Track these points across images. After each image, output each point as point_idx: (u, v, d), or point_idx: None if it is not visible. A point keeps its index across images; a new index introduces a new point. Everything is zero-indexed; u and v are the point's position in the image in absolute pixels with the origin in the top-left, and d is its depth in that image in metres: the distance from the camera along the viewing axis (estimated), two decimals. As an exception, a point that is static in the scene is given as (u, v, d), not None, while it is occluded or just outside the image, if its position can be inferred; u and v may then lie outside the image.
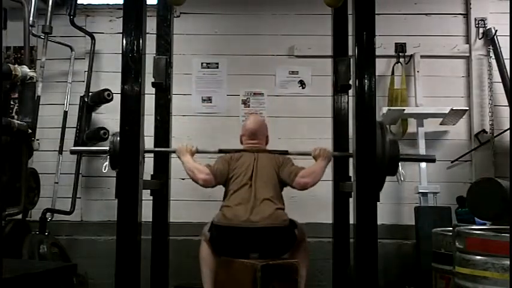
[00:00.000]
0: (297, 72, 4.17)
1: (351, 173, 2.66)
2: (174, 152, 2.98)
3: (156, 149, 3.05)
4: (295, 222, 2.84)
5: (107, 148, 2.85)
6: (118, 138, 2.60)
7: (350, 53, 2.91)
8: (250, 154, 2.93)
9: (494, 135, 3.96)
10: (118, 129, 2.50)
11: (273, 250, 2.69)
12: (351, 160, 2.74)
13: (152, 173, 3.06)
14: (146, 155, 2.67)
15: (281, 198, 2.86)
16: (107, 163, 2.82)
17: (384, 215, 3.78)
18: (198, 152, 2.96)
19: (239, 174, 2.84)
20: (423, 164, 3.85)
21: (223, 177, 2.87)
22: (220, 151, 3.01)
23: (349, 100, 3.07)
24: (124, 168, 2.42)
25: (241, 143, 3.10)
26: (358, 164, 2.40)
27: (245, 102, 4.14)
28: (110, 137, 2.78)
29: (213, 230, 2.76)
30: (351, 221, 2.55)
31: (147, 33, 2.59)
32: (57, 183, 3.90)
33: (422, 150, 3.88)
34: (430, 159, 3.23)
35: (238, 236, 2.66)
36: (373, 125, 2.43)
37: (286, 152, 2.99)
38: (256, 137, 3.05)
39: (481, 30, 4.10)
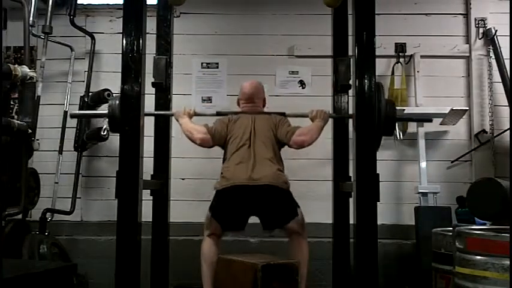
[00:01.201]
0: (297, 72, 4.17)
1: (351, 173, 2.66)
2: (173, 115, 3.01)
3: (156, 112, 3.06)
4: (298, 204, 2.84)
5: (106, 112, 2.79)
6: (117, 102, 2.61)
7: (350, 53, 2.91)
8: (248, 116, 2.96)
9: (494, 135, 3.96)
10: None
11: (273, 212, 2.72)
12: (351, 160, 2.74)
13: (152, 173, 3.06)
14: (146, 154, 2.67)
15: (280, 160, 2.89)
16: (105, 126, 2.81)
17: (384, 215, 3.78)
18: (196, 114, 2.98)
19: (237, 136, 2.88)
20: (423, 164, 3.86)
21: (221, 138, 2.91)
22: (218, 114, 3.05)
23: (349, 100, 3.07)
24: (124, 168, 2.42)
25: (238, 105, 3.14)
26: (358, 164, 2.40)
27: (245, 102, 4.14)
28: (110, 101, 2.74)
29: (214, 199, 2.79)
30: (351, 221, 2.55)
31: (147, 33, 2.59)
32: (57, 183, 3.89)
33: (422, 150, 3.88)
34: (426, 120, 3.18)
35: (239, 194, 2.70)
36: (373, 125, 2.43)
37: (283, 114, 3.01)
38: (253, 100, 3.08)
39: (481, 30, 4.10)
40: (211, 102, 4.16)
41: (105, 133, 2.81)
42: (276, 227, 2.81)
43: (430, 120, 3.15)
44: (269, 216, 2.71)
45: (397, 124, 4.05)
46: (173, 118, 3.05)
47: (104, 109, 4.01)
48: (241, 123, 2.94)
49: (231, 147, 2.88)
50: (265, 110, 3.18)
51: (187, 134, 2.87)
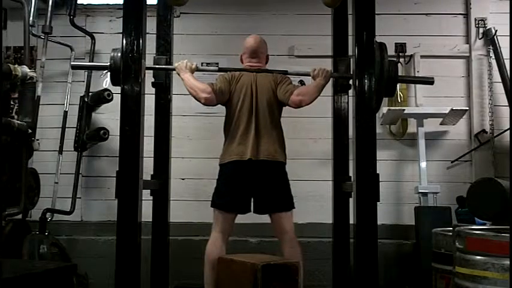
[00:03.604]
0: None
1: (351, 173, 2.66)
2: (174, 69, 2.98)
3: (157, 66, 3.05)
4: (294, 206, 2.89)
5: (108, 64, 2.76)
6: (118, 54, 2.60)
7: (350, 53, 2.91)
8: (250, 75, 2.95)
9: (494, 135, 3.96)
10: (118, 130, 2.49)
11: (270, 190, 2.78)
12: (351, 160, 2.74)
13: (152, 173, 3.06)
14: (146, 154, 2.67)
15: (280, 126, 2.92)
16: (107, 79, 2.79)
17: (384, 215, 3.78)
18: (197, 70, 2.96)
19: (239, 98, 2.89)
20: (423, 164, 3.86)
21: (224, 97, 2.91)
22: (220, 70, 3.05)
23: (349, 100, 3.07)
24: (124, 168, 2.42)
25: (241, 61, 3.12)
26: (358, 164, 2.40)
27: (245, 102, 4.14)
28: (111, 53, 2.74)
29: (218, 177, 2.87)
30: (351, 221, 2.55)
31: (147, 33, 2.59)
32: (57, 183, 3.89)
33: (422, 150, 3.88)
34: (428, 82, 3.15)
35: (240, 170, 2.76)
36: (373, 125, 2.43)
37: (285, 72, 3.00)
38: (256, 54, 3.07)
39: (481, 30, 4.10)
40: (211, 102, 4.15)
41: (106, 85, 2.82)
42: (269, 210, 2.83)
43: (432, 82, 3.07)
44: (265, 195, 2.77)
45: (397, 124, 4.09)
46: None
47: (103, 111, 4.05)
48: (244, 82, 2.92)
49: (233, 111, 2.90)
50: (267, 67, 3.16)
51: (192, 91, 2.84)
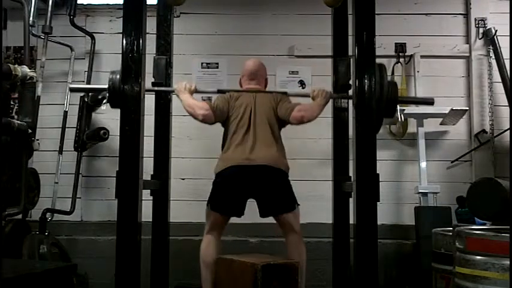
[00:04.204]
0: (297, 72, 4.17)
1: (351, 173, 2.66)
2: (173, 91, 2.98)
3: (156, 88, 3.04)
4: (298, 203, 2.85)
5: (106, 86, 2.72)
6: (117, 76, 2.57)
7: (350, 53, 2.91)
8: (249, 94, 2.95)
9: (494, 135, 3.96)
10: (118, 129, 2.49)
11: (271, 194, 2.73)
12: (351, 160, 2.74)
13: (152, 173, 3.06)
14: (146, 154, 2.66)
15: (280, 140, 2.90)
16: (105, 101, 2.76)
17: (383, 215, 3.78)
18: (197, 91, 2.96)
19: (238, 114, 2.87)
20: (423, 164, 3.86)
21: (223, 115, 2.90)
22: (219, 91, 3.03)
23: (349, 100, 3.07)
24: (124, 168, 2.42)
25: (240, 85, 3.13)
26: (358, 164, 2.40)
27: (245, 102, 4.14)
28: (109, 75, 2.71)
29: (214, 181, 2.81)
30: (351, 221, 2.55)
31: (147, 33, 2.58)
32: (57, 183, 3.89)
33: (422, 150, 3.88)
34: (428, 102, 3.16)
35: (237, 174, 2.71)
36: (373, 125, 2.43)
37: (284, 93, 3.01)
38: (255, 77, 3.08)
39: (481, 30, 4.10)
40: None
41: (104, 108, 2.78)
42: (273, 212, 2.80)
43: (432, 103, 3.08)
44: (266, 198, 2.71)
45: (397, 124, 4.08)
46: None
47: (103, 111, 4.04)
48: (243, 101, 2.92)
49: (231, 127, 2.88)
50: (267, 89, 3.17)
51: (189, 110, 2.85)
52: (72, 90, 3.32)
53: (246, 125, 2.84)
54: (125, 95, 2.44)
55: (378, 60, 2.45)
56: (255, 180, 2.74)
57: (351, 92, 2.81)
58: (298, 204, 2.86)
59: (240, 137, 2.82)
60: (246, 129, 2.83)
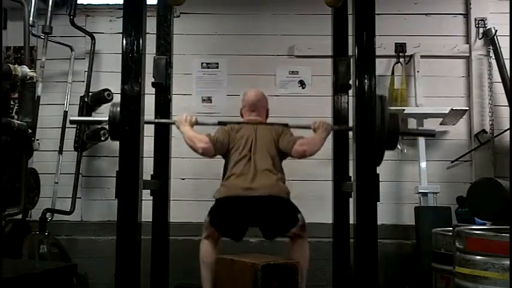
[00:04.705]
0: (297, 72, 4.17)
1: (351, 173, 2.66)
2: (174, 123, 2.98)
3: (156, 120, 3.05)
4: (298, 209, 2.82)
5: (107, 118, 2.78)
6: (117, 109, 2.58)
7: (350, 53, 2.91)
8: (250, 126, 2.94)
9: (494, 135, 3.96)
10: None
11: (273, 222, 2.69)
12: (351, 160, 2.74)
13: (152, 173, 3.06)
14: (146, 154, 2.66)
15: (281, 169, 2.88)
16: (104, 131, 2.77)
17: (383, 215, 3.78)
18: (197, 123, 2.96)
19: (238, 146, 2.86)
20: (423, 164, 3.86)
21: (223, 148, 2.88)
22: (220, 123, 3.03)
23: (349, 100, 3.07)
24: (124, 168, 2.42)
25: (241, 115, 3.12)
26: (358, 164, 2.40)
27: (245, 102, 4.14)
28: (110, 107, 2.73)
29: (213, 206, 2.77)
30: (351, 221, 2.55)
31: (147, 33, 2.58)
32: (57, 183, 3.89)
33: (422, 150, 3.88)
34: (429, 134, 3.18)
35: (238, 205, 2.67)
36: (373, 125, 2.43)
37: (285, 125, 3.00)
38: (256, 108, 3.06)
39: (481, 30, 4.10)
40: (211, 102, 4.16)
41: (104, 138, 2.80)
42: (277, 235, 2.78)
43: (433, 135, 3.11)
44: (269, 226, 2.68)
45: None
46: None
47: (103, 111, 4.04)
48: (243, 133, 2.91)
49: (232, 158, 2.86)
50: (268, 120, 3.14)
51: (189, 142, 2.84)
52: (72, 122, 3.33)
53: (247, 157, 2.82)
54: (125, 72, 2.42)
55: (377, 60, 2.45)
56: (256, 211, 2.69)
57: (351, 92, 2.81)
58: (299, 212, 2.81)
59: (240, 168, 2.79)
60: (247, 160, 2.81)
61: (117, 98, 2.93)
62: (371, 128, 2.39)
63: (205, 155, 2.87)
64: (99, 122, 2.95)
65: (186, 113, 3.00)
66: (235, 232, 2.75)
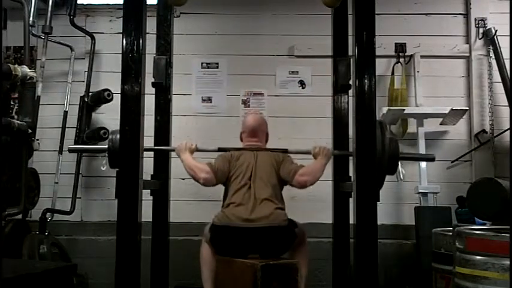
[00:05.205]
0: (297, 72, 4.17)
1: (351, 173, 2.66)
2: (173, 150, 2.98)
3: (156, 147, 3.05)
4: (295, 222, 2.84)
5: (106, 147, 2.84)
6: (117, 136, 2.59)
7: (350, 53, 2.91)
8: (250, 153, 2.93)
9: (494, 135, 3.96)
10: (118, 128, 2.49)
11: (272, 250, 2.69)
12: (351, 160, 2.74)
13: (152, 173, 3.06)
14: (146, 154, 2.67)
15: (281, 198, 2.86)
16: (105, 161, 2.81)
17: (383, 215, 3.78)
18: (197, 150, 2.96)
19: (239, 174, 2.84)
20: (423, 164, 3.85)
21: (224, 176, 2.86)
22: (220, 149, 3.01)
23: (349, 100, 3.07)
24: (124, 168, 2.42)
25: (241, 140, 3.11)
26: (358, 164, 2.40)
27: (245, 102, 4.15)
28: (109, 135, 2.75)
29: (213, 230, 2.76)
30: (351, 221, 2.55)
31: (147, 33, 2.58)
32: (57, 183, 3.89)
33: (422, 150, 3.88)
34: (429, 159, 3.22)
35: (237, 236, 2.66)
36: (373, 124, 2.43)
37: (285, 151, 2.99)
38: (256, 134, 3.05)
39: (481, 30, 4.10)
40: (211, 102, 4.16)
41: (104, 168, 2.81)
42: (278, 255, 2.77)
43: (432, 160, 3.15)
44: (268, 254, 2.66)
45: (397, 124, 4.08)
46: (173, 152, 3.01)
47: (103, 111, 4.05)
48: (244, 160, 2.88)
49: (232, 186, 2.83)
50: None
51: (190, 172, 2.82)
52: (70, 151, 3.32)
53: (247, 186, 2.80)
54: (125, 72, 2.42)
55: (377, 60, 2.45)
56: (254, 242, 2.65)
57: (351, 92, 2.81)
58: (296, 226, 2.80)
59: (240, 197, 2.76)
60: (246, 189, 2.79)
61: (117, 98, 2.95)
62: (372, 154, 2.38)
63: (206, 185, 2.84)
64: (100, 151, 2.95)
65: (186, 140, 2.98)
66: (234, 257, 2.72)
